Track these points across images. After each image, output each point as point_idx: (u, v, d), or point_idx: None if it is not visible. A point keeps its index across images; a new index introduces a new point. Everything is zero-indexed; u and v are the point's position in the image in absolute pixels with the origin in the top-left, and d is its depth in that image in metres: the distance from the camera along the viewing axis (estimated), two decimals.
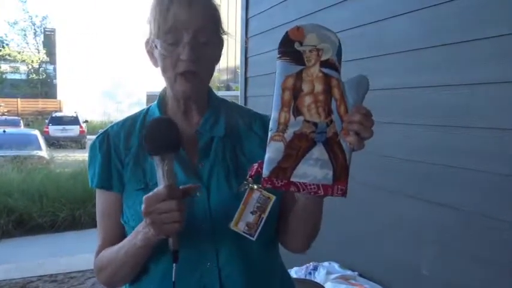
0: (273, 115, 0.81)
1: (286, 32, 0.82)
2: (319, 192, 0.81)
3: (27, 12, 36.28)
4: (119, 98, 28.08)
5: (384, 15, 2.32)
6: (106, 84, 27.92)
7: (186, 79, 1.00)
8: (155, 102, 1.12)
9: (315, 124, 0.80)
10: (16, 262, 4.71)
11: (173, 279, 0.91)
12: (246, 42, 3.91)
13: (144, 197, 0.89)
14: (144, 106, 1.22)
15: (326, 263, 2.60)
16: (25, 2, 39.52)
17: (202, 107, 1.09)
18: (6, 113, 23.24)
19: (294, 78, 0.81)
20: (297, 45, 0.81)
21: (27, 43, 32.70)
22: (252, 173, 0.89)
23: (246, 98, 3.98)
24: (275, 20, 3.40)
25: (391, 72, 2.29)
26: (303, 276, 2.50)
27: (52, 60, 31.45)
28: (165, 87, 1.10)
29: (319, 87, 0.81)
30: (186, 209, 0.89)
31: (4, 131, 11.23)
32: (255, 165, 0.88)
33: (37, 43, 32.97)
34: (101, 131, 1.14)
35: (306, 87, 0.81)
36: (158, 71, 1.04)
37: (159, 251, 0.98)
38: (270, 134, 0.81)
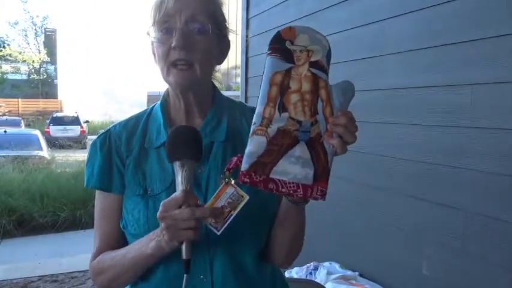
0: (258, 109, 0.80)
1: (278, 31, 0.82)
2: (298, 191, 0.79)
3: (28, 12, 36.43)
4: (119, 98, 28.09)
5: (384, 16, 2.32)
6: (107, 84, 27.93)
7: (178, 69, 0.97)
8: (158, 102, 1.09)
9: (300, 122, 0.79)
10: (17, 262, 4.72)
11: None
12: (246, 42, 3.91)
13: (162, 203, 0.87)
14: (145, 106, 1.20)
15: (327, 263, 2.60)
16: (26, 2, 39.56)
17: (204, 107, 1.06)
18: (7, 113, 23.25)
19: (282, 74, 0.80)
20: (288, 44, 0.81)
21: (28, 43, 32.76)
22: (230, 166, 0.86)
23: (246, 98, 3.99)
24: (276, 20, 3.40)
25: (391, 72, 2.29)
26: (303, 277, 2.50)
27: (53, 61, 31.47)
28: (168, 88, 1.07)
29: (306, 86, 0.80)
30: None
31: (5, 131, 11.23)
32: (235, 159, 0.85)
33: (38, 43, 33.01)
34: (102, 130, 1.11)
35: (293, 85, 0.80)
36: (158, 68, 1.02)
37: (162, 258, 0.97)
38: (252, 127, 0.80)
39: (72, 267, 4.24)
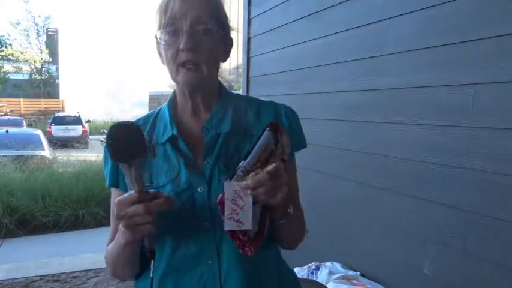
0: (249, 160, 0.97)
1: (276, 123, 1.04)
2: (245, 238, 0.96)
3: (30, 12, 36.33)
4: (121, 98, 28.13)
5: (385, 15, 2.32)
6: (108, 84, 27.97)
7: (187, 70, 1.01)
8: (166, 102, 1.14)
9: None
10: (19, 261, 4.72)
11: (151, 275, 0.96)
12: (248, 42, 3.91)
13: (116, 200, 0.92)
14: (146, 106, 1.23)
15: (328, 263, 2.60)
16: (28, 2, 39.52)
17: (210, 103, 1.10)
18: (9, 113, 23.31)
19: (270, 150, 1.00)
20: (278, 135, 1.03)
21: (30, 43, 32.72)
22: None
23: None
24: (277, 20, 3.40)
25: (392, 72, 2.30)
26: (305, 276, 2.51)
27: (54, 60, 31.49)
28: (175, 89, 1.12)
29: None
30: (155, 211, 0.92)
31: (7, 131, 11.25)
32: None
33: (40, 43, 32.99)
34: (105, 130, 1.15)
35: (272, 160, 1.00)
36: (165, 69, 1.06)
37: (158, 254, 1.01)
38: (239, 168, 0.97)
39: (74, 267, 4.24)
